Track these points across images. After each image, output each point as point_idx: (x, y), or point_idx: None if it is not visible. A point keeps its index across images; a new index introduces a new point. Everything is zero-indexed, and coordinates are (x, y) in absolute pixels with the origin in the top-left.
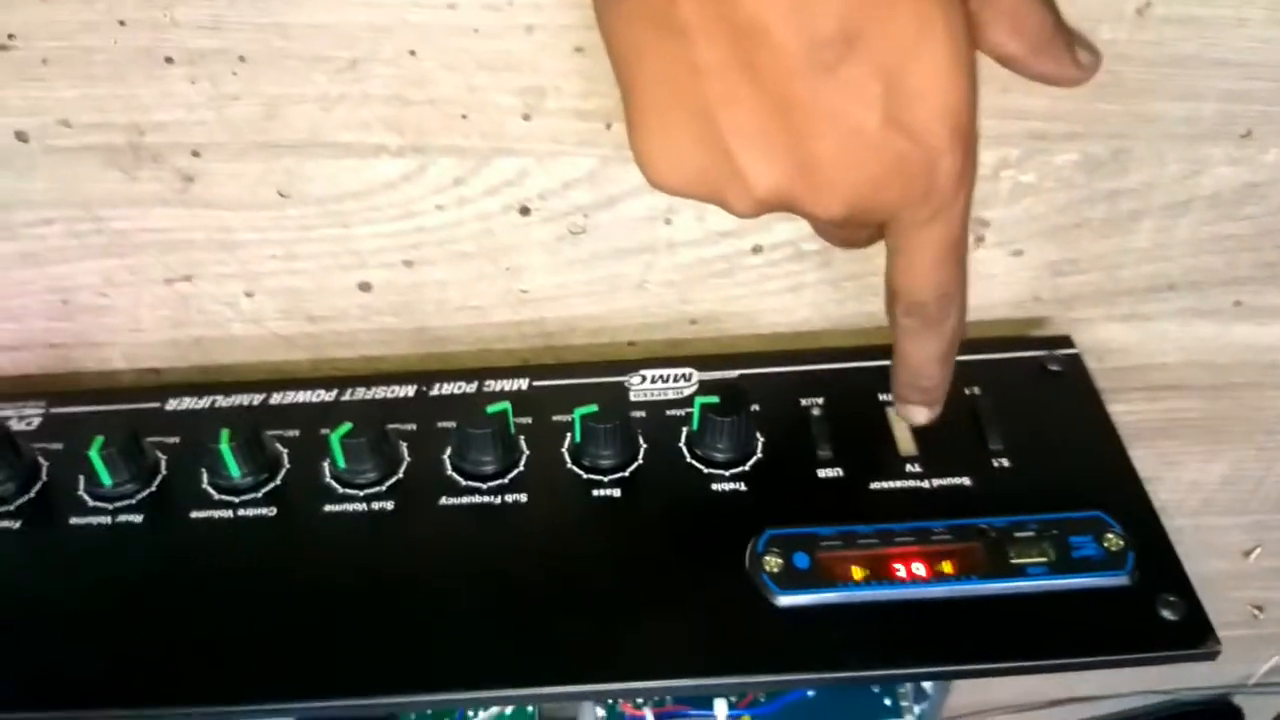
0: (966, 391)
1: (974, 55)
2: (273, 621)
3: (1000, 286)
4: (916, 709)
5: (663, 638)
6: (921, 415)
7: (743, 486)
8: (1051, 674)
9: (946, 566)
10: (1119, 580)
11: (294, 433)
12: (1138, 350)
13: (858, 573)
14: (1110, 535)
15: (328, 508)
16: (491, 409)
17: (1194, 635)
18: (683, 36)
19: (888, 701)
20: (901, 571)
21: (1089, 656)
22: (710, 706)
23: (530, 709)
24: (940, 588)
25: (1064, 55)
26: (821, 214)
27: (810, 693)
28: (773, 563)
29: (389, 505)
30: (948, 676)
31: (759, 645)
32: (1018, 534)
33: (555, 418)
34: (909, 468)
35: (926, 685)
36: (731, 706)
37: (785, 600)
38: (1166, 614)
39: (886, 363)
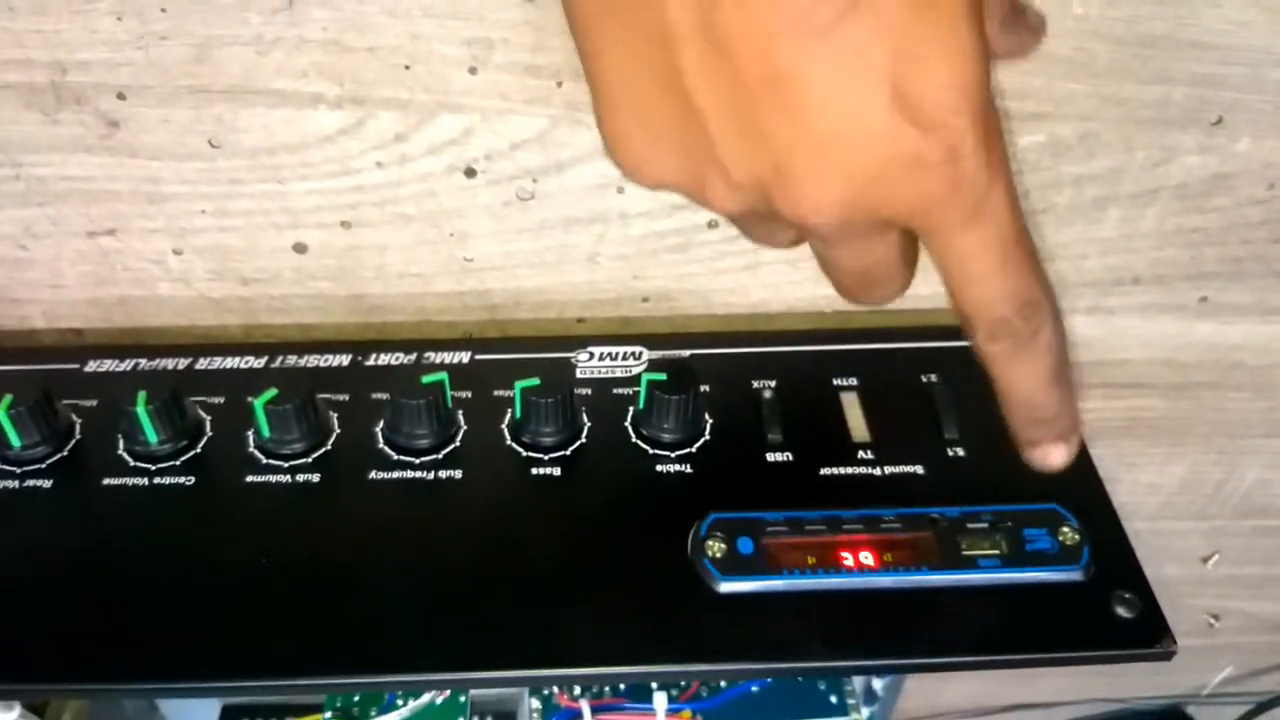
0: (923, 379)
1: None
2: (187, 597)
3: None
4: (865, 711)
5: (599, 624)
6: (1058, 455)
7: (688, 469)
8: (1003, 671)
9: (896, 556)
10: (1073, 575)
11: (218, 400)
12: (1099, 345)
13: (804, 560)
14: (1066, 529)
15: (250, 478)
16: (427, 379)
17: (1149, 634)
18: None
19: (834, 699)
20: (849, 560)
21: (1041, 653)
22: (649, 699)
23: (462, 699)
24: (888, 577)
25: (1020, 23)
26: (810, 215)
27: (754, 687)
28: (716, 547)
29: (315, 478)
30: (893, 670)
31: (699, 633)
32: (970, 524)
33: (497, 393)
34: (861, 454)
35: (876, 685)
36: (672, 700)
37: (727, 586)
38: (1122, 611)
39: (842, 346)
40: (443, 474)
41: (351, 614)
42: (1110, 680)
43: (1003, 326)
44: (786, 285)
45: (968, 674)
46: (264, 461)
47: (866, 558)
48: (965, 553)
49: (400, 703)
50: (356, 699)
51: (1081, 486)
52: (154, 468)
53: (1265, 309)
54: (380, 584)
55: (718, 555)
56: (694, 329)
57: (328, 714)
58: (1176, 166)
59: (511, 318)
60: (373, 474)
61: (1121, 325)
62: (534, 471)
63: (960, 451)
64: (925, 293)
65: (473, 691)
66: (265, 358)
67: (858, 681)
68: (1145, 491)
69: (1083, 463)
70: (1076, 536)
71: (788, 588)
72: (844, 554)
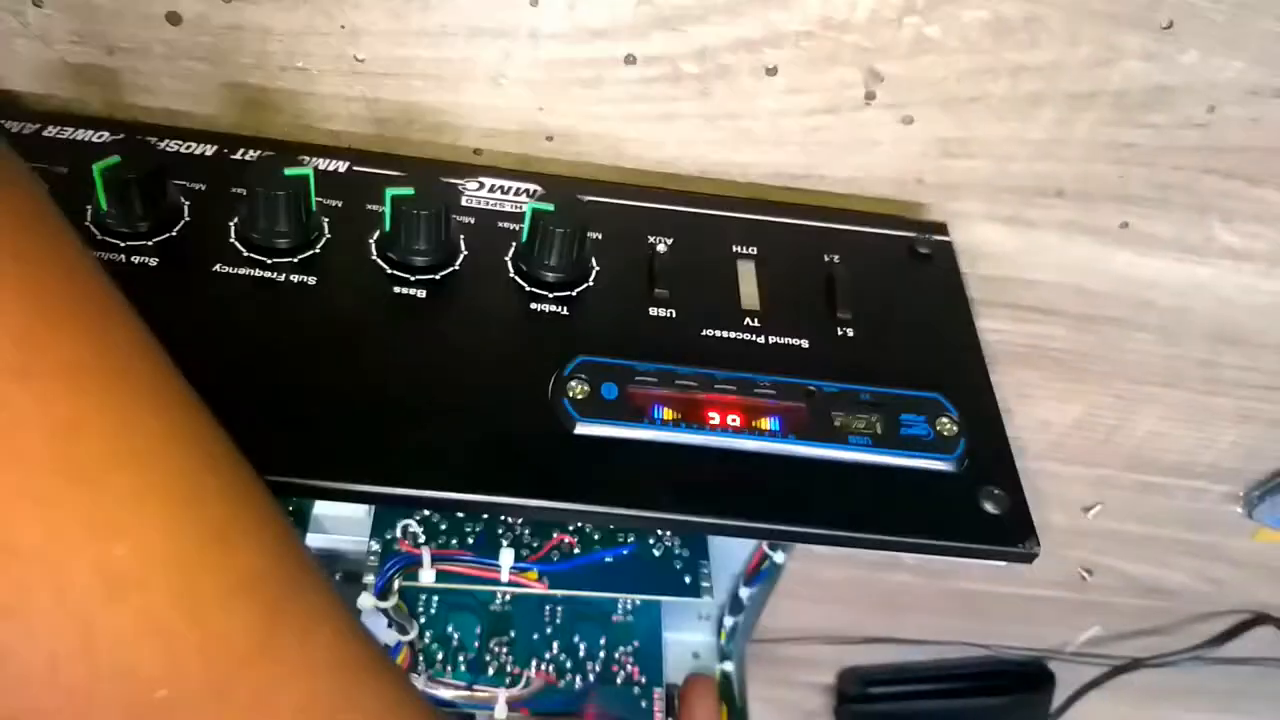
0: (825, 258)
1: None
2: None
3: (885, 158)
4: (729, 620)
5: (445, 450)
6: None
7: (564, 310)
8: (868, 601)
9: (764, 422)
10: (945, 465)
11: (61, 169)
12: (1014, 259)
13: (668, 413)
14: (944, 419)
15: None
16: (290, 171)
17: (1013, 532)
18: None
19: (688, 579)
20: (715, 420)
21: (900, 536)
22: (496, 555)
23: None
24: (753, 440)
25: None
26: None
27: (607, 558)
28: (578, 389)
29: (152, 261)
30: (740, 533)
31: (550, 471)
32: (847, 401)
33: (370, 207)
34: (747, 321)
35: (742, 594)
36: (520, 559)
37: (584, 429)
38: (989, 506)
39: (747, 215)
40: (295, 278)
41: None
42: (977, 625)
43: None
44: (702, 144)
45: (834, 602)
46: (99, 237)
47: (734, 419)
48: (836, 426)
49: None
50: None
51: (970, 384)
52: None
53: (1184, 245)
54: (209, 381)
55: (578, 396)
56: (599, 179)
57: None
58: (1118, 71)
59: (401, 136)
60: (217, 267)
61: (1040, 241)
62: (396, 290)
63: (850, 332)
64: (842, 175)
65: (308, 538)
66: (122, 135)
67: (722, 590)
68: (1037, 428)
69: (975, 362)
70: (954, 428)
71: (647, 437)
72: (711, 413)
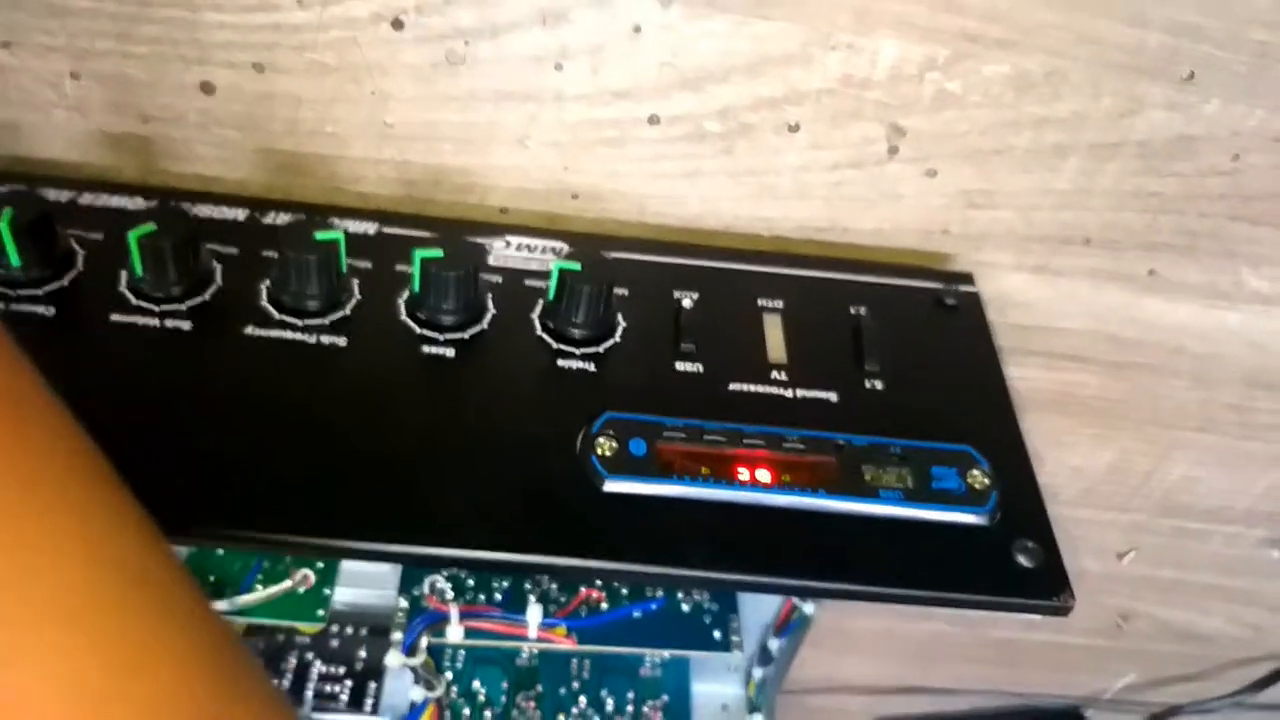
0: (851, 310)
1: None
2: None
3: (909, 210)
4: (759, 673)
5: (475, 508)
6: None
7: (591, 367)
8: (902, 651)
9: (794, 476)
10: (978, 518)
11: (96, 235)
12: (1042, 309)
13: (697, 469)
14: (976, 472)
15: (115, 317)
16: (321, 235)
17: (1048, 586)
18: None
19: (717, 634)
20: (744, 475)
21: (933, 591)
22: (523, 610)
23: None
24: (783, 496)
25: None
26: None
27: (636, 613)
28: (606, 445)
29: (185, 325)
30: (771, 590)
31: (579, 529)
32: (877, 455)
33: (399, 267)
34: (774, 374)
35: (771, 646)
36: (548, 614)
37: (612, 485)
38: (1023, 560)
39: (772, 269)
40: (325, 339)
41: (209, 467)
42: (1011, 673)
43: None
44: (725, 200)
45: (865, 652)
46: (134, 302)
47: (763, 475)
48: (868, 481)
49: (259, 585)
50: (212, 577)
51: (999, 435)
52: (13, 293)
53: (1214, 292)
54: (242, 442)
55: (607, 454)
56: (623, 235)
57: None
58: (1142, 120)
59: (429, 197)
60: (249, 329)
61: (1067, 289)
62: (425, 350)
63: (878, 384)
64: (866, 227)
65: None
66: (155, 200)
67: (751, 640)
68: (1070, 475)
69: (1004, 412)
70: (986, 480)
71: (676, 494)
72: (740, 469)
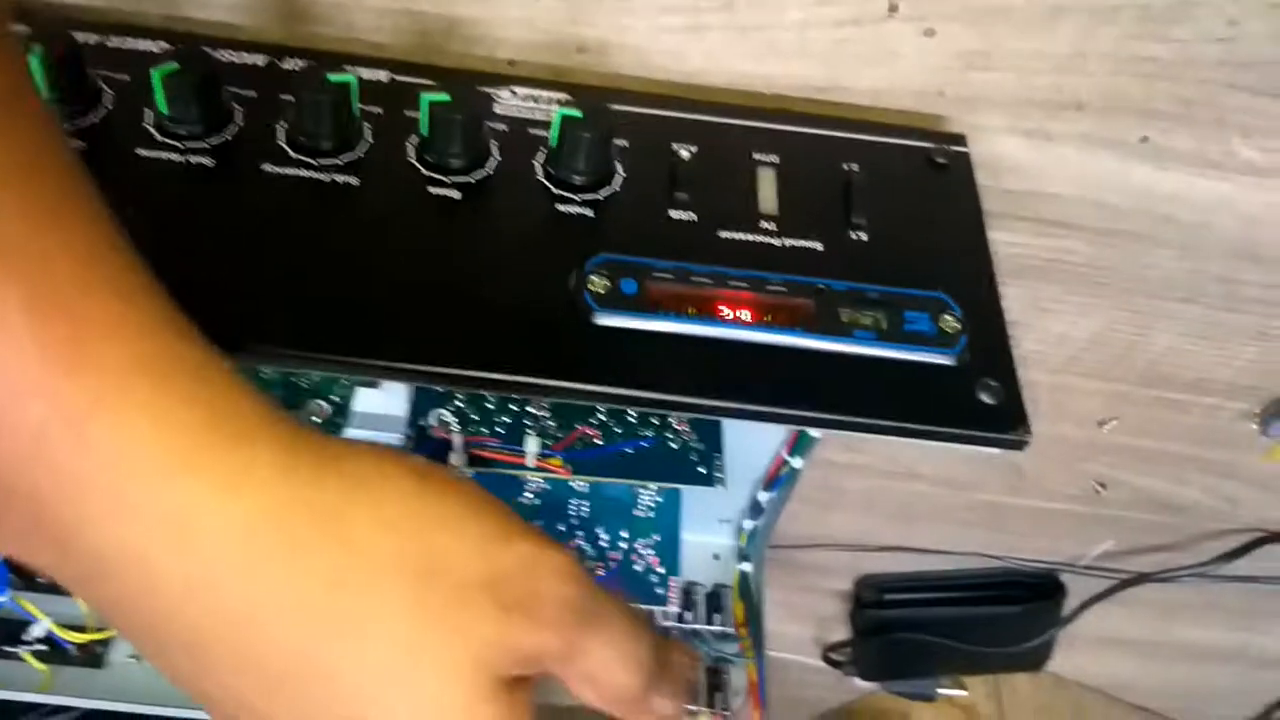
0: (844, 166)
1: None
2: None
3: (906, 70)
4: (749, 524)
5: (472, 334)
6: None
7: (590, 212)
8: (885, 510)
9: (774, 316)
10: (946, 359)
11: (124, 77)
12: (1034, 173)
13: (683, 306)
14: (947, 316)
15: (141, 152)
16: (333, 78)
17: (1007, 420)
18: None
19: (702, 469)
20: (728, 314)
21: (900, 422)
22: (521, 442)
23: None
24: (763, 333)
25: (667, 707)
26: None
27: (628, 449)
28: (598, 283)
29: (208, 161)
30: (749, 417)
31: (571, 356)
32: (854, 298)
33: (409, 113)
34: (764, 224)
35: (761, 498)
36: (545, 447)
37: (603, 319)
38: (985, 397)
39: (770, 125)
40: (338, 178)
41: (230, 289)
42: (993, 536)
43: None
44: (729, 56)
45: (851, 510)
46: (159, 139)
47: (745, 314)
48: (843, 321)
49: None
50: None
51: (975, 287)
52: None
53: (1205, 160)
54: (261, 267)
55: (600, 290)
56: (628, 89)
57: None
58: None
59: (440, 48)
60: (267, 166)
61: (1059, 154)
62: (432, 190)
63: (863, 236)
64: (864, 87)
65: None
66: (179, 46)
67: (743, 494)
68: (1055, 342)
69: (983, 268)
70: (957, 325)
71: (662, 329)
72: (724, 308)
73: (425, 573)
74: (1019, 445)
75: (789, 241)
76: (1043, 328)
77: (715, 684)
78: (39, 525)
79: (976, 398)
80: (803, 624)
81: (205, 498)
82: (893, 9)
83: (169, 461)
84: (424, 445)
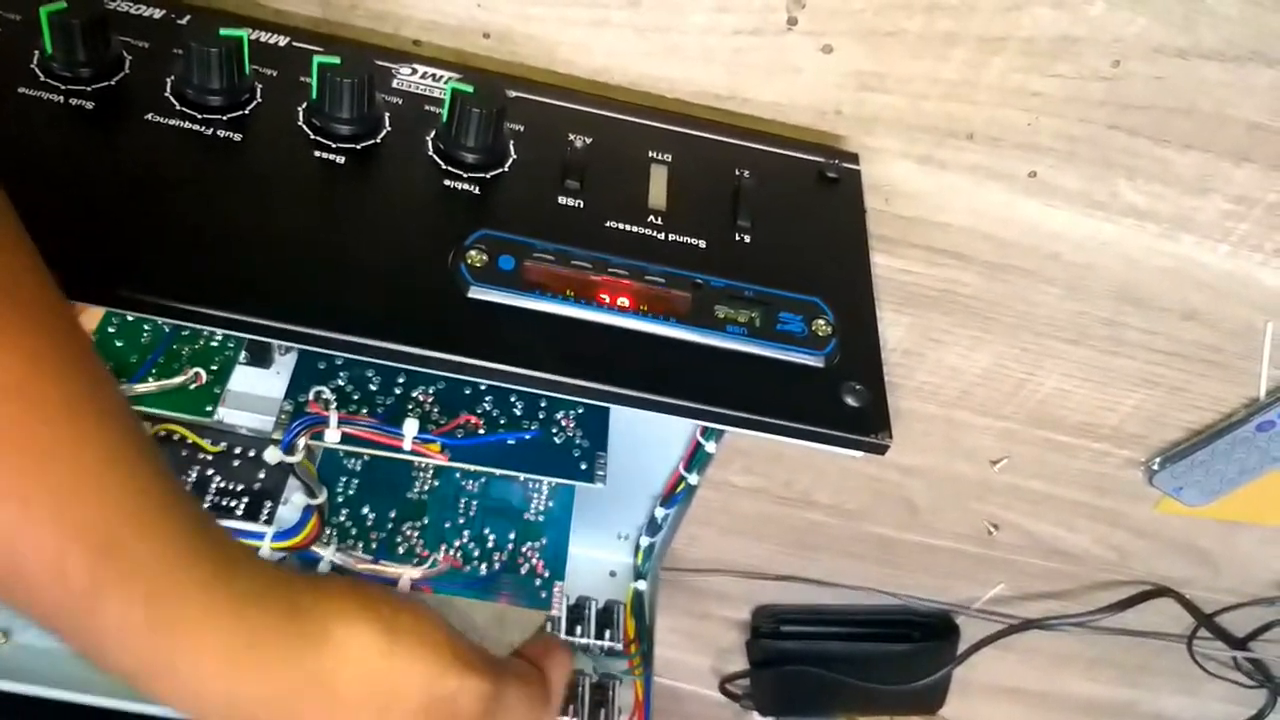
0: (736, 172)
1: None
2: None
3: (805, 86)
4: (646, 540)
5: (345, 298)
6: None
7: (476, 190)
8: (778, 542)
9: (650, 305)
10: (814, 360)
11: (14, 16)
12: (925, 200)
13: (559, 288)
14: (821, 321)
15: (23, 90)
16: (225, 32)
17: (870, 425)
18: None
19: (584, 465)
20: (605, 299)
21: (761, 415)
22: (400, 425)
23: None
24: (636, 320)
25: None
26: None
27: (510, 440)
28: (476, 258)
29: (89, 104)
30: (614, 400)
31: (443, 327)
32: (731, 295)
33: (304, 79)
34: (651, 219)
35: (658, 514)
36: (423, 430)
37: (477, 293)
38: (850, 400)
39: (667, 126)
40: (221, 133)
41: (101, 233)
42: (887, 573)
43: None
44: (631, 55)
45: (749, 535)
46: (42, 79)
47: (622, 301)
48: (718, 317)
49: (151, 378)
50: (109, 365)
51: (852, 294)
52: None
53: (1091, 201)
54: (135, 214)
55: (476, 265)
56: (530, 79)
57: None
58: (1028, 17)
59: (345, 21)
60: (150, 116)
61: (949, 183)
62: (317, 154)
63: (747, 239)
64: (765, 99)
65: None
66: None
67: (640, 510)
68: (947, 374)
69: (862, 281)
70: (829, 329)
71: (537, 308)
72: (602, 294)
73: (386, 707)
74: (880, 449)
75: (674, 237)
76: (935, 359)
77: (599, 700)
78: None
79: (842, 400)
80: (701, 654)
81: (256, 689)
82: (792, 22)
83: (230, 675)
84: (299, 418)
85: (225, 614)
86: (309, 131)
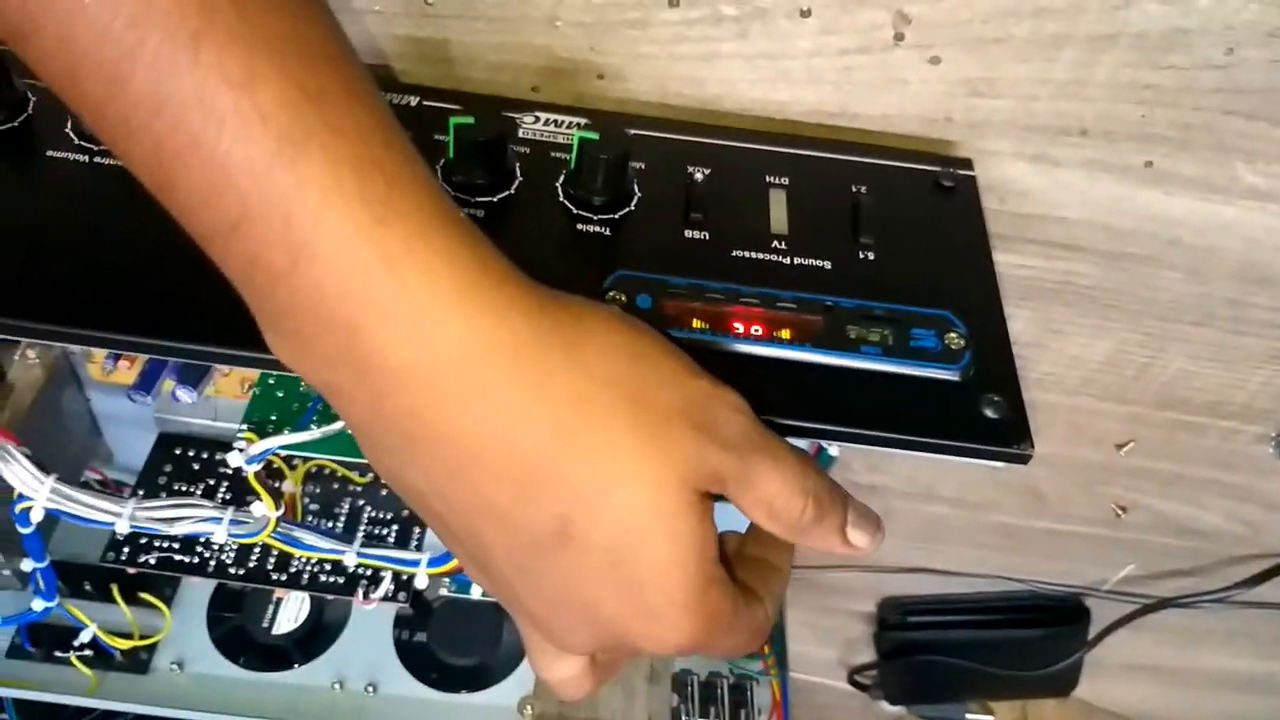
0: (853, 189)
1: (707, 545)
2: None
3: (913, 96)
4: None
5: None
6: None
7: (607, 231)
8: (907, 535)
9: (785, 332)
10: (950, 374)
11: None
12: (1040, 197)
13: (696, 322)
14: (953, 334)
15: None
16: None
17: (1010, 435)
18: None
19: None
20: (739, 329)
21: (903, 434)
22: None
23: None
24: (773, 348)
25: (831, 537)
26: (566, 646)
27: None
28: (616, 297)
29: None
30: None
31: None
32: (861, 315)
33: (437, 137)
34: (775, 244)
35: None
36: None
37: None
38: (989, 412)
39: (782, 149)
40: None
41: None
42: (1014, 559)
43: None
44: (741, 83)
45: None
46: None
47: (756, 329)
48: (850, 337)
49: (314, 424)
50: (274, 417)
51: (981, 304)
52: None
53: (1210, 185)
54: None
55: (618, 305)
56: (645, 115)
57: (244, 425)
58: (1137, 13)
59: (467, 75)
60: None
61: (1064, 179)
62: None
63: (870, 255)
64: (874, 113)
65: None
66: None
67: None
68: (1069, 364)
69: (989, 287)
70: (961, 342)
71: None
72: (736, 323)
73: (639, 398)
74: (1022, 459)
75: (799, 260)
76: (1056, 350)
77: (739, 701)
78: (349, 353)
79: (980, 412)
80: (828, 646)
81: (484, 326)
82: (899, 38)
83: (458, 296)
84: None
85: (463, 245)
86: (449, 189)
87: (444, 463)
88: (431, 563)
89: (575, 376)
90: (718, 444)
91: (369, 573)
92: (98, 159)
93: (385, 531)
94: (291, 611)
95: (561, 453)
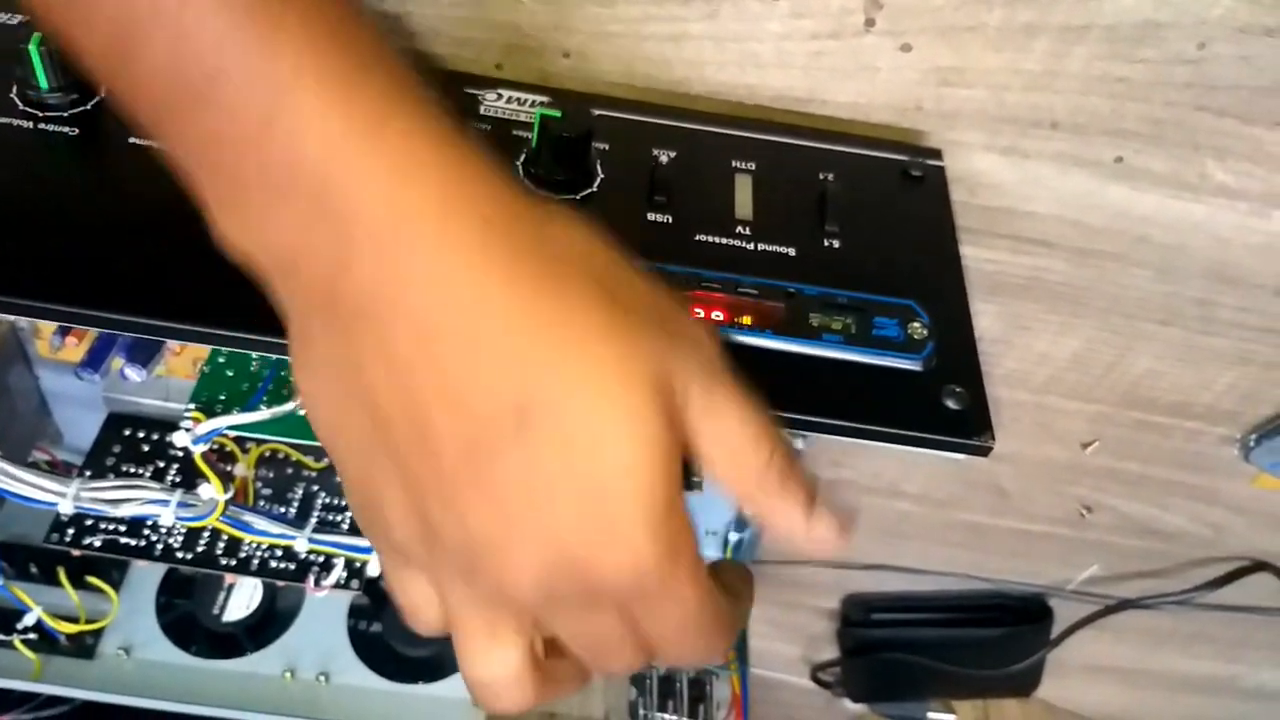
0: (820, 176)
1: (673, 462)
2: None
3: (884, 84)
4: (734, 536)
5: None
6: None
7: None
8: (871, 529)
9: (746, 318)
10: (912, 364)
11: None
12: (1011, 191)
13: None
14: (916, 324)
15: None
16: None
17: (972, 427)
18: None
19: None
20: (700, 314)
21: (862, 423)
22: None
23: None
24: (734, 334)
25: (795, 513)
26: (510, 580)
27: None
28: None
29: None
30: None
31: None
32: (824, 303)
33: None
34: (739, 229)
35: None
36: None
37: None
38: (950, 403)
39: (749, 134)
40: None
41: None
42: (978, 557)
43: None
44: (710, 65)
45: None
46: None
47: (717, 315)
48: (813, 325)
49: (263, 405)
50: (223, 396)
51: (945, 295)
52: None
53: (1180, 183)
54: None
55: None
56: (611, 95)
57: (191, 404)
58: (1110, 4)
59: (429, 50)
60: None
61: (1034, 172)
62: None
63: (835, 243)
64: (844, 100)
65: None
66: None
67: (728, 505)
68: (1036, 360)
69: (954, 279)
70: (925, 332)
71: None
72: (697, 308)
73: (611, 291)
74: (983, 451)
75: (763, 246)
76: (1024, 346)
77: (698, 696)
78: (321, 215)
79: (942, 403)
80: (790, 643)
81: (456, 200)
82: (869, 23)
83: (436, 157)
84: None
85: (429, 99)
86: None
87: (406, 344)
88: None
89: (545, 259)
90: (687, 357)
91: (321, 559)
92: (42, 125)
93: (339, 518)
94: (243, 599)
95: (528, 332)
